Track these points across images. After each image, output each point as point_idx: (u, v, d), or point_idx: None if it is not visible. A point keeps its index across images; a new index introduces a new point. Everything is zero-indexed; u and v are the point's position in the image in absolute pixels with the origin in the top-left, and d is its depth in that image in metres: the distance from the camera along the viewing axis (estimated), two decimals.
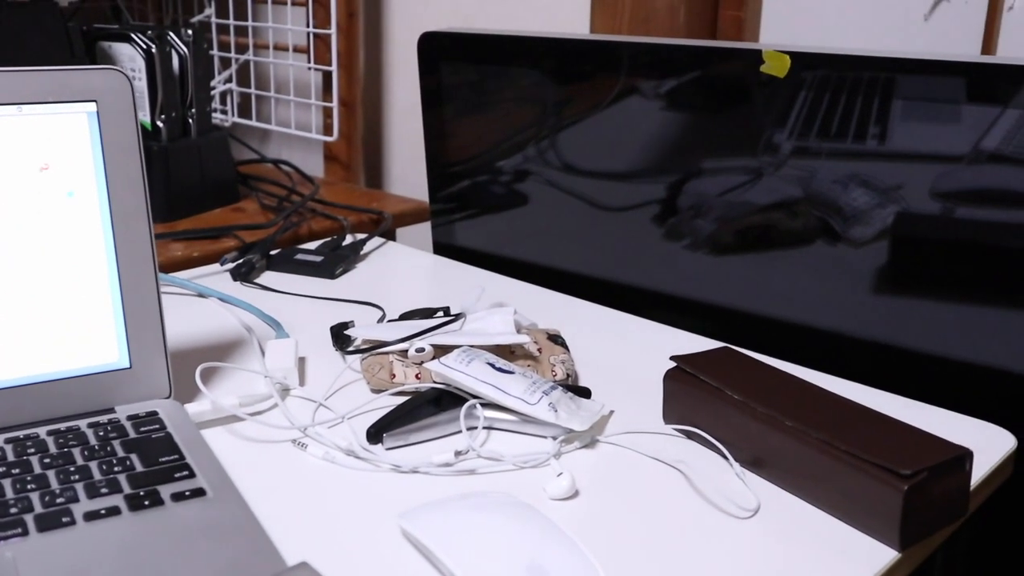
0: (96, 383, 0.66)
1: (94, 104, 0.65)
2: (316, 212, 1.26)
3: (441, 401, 0.68)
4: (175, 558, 0.52)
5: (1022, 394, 0.79)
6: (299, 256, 1.02)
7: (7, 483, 0.57)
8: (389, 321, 0.85)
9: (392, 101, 1.59)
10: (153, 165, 1.20)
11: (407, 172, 1.60)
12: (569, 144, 0.99)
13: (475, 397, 0.68)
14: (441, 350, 0.74)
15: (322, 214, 1.25)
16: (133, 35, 1.21)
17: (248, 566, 0.52)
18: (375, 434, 0.66)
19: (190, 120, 1.26)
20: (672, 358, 0.69)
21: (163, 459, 0.60)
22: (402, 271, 1.04)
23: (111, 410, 0.66)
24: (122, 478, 0.58)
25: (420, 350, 0.74)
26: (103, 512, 0.55)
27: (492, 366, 0.69)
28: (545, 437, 0.67)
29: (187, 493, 0.57)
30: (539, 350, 0.76)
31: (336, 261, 1.01)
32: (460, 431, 0.68)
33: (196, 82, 1.25)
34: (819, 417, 0.61)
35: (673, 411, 0.69)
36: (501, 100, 1.02)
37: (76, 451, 0.61)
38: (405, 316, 0.85)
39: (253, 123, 1.58)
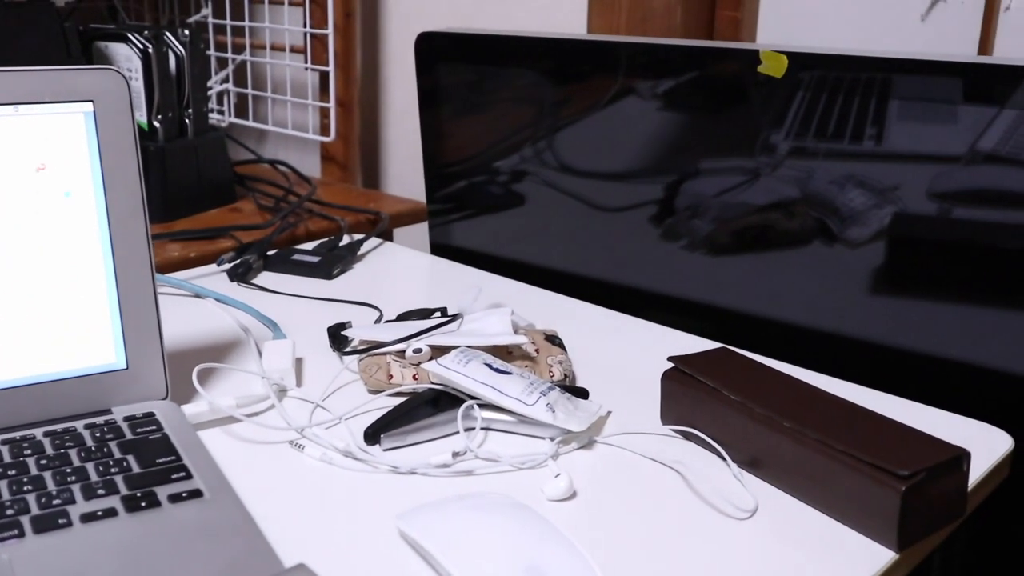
0: (93, 384, 0.66)
1: (91, 104, 0.65)
2: (313, 212, 1.26)
3: (439, 402, 0.68)
4: (172, 560, 0.52)
5: (1019, 395, 0.79)
6: (296, 256, 1.02)
7: (3, 485, 0.57)
8: (386, 322, 0.85)
9: (389, 101, 1.59)
10: (150, 165, 1.20)
11: (404, 172, 1.59)
12: (566, 144, 0.99)
13: (473, 398, 0.68)
14: (438, 351, 0.74)
15: (319, 214, 1.25)
16: (130, 35, 1.20)
17: (245, 567, 0.52)
18: (372, 435, 0.66)
19: (187, 120, 1.25)
20: (670, 359, 0.69)
21: (160, 460, 0.60)
22: (399, 272, 1.04)
23: (108, 411, 0.66)
24: (119, 479, 0.58)
25: (417, 351, 0.74)
26: (100, 514, 0.55)
27: (490, 367, 0.69)
28: (543, 438, 0.67)
29: (184, 494, 0.57)
30: (537, 351, 0.76)
31: (333, 261, 1.01)
32: (458, 432, 0.67)
33: (193, 82, 1.25)
34: (817, 418, 0.61)
35: (671, 412, 0.69)
36: (498, 100, 1.02)
37: (73, 452, 0.60)
38: (402, 317, 0.85)
39: (250, 123, 1.58)
